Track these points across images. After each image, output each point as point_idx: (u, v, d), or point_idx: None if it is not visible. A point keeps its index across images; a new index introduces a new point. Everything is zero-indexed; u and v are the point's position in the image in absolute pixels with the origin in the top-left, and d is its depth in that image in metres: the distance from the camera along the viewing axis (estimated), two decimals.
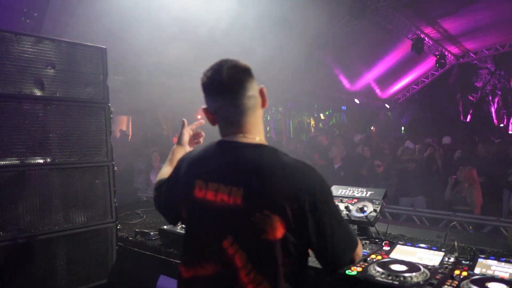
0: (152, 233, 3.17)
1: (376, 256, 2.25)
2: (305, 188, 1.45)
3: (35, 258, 2.73)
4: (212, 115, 1.64)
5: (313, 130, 19.41)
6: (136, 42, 9.79)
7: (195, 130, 2.34)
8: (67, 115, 2.90)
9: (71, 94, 2.92)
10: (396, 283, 1.88)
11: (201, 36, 9.96)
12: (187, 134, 2.28)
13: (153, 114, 16.36)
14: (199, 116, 17.55)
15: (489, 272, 1.99)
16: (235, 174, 1.52)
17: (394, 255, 2.27)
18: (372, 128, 14.99)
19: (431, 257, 2.20)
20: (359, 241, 1.67)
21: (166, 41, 10.29)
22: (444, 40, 15.21)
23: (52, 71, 2.84)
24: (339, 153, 7.96)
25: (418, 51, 13.38)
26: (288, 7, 10.65)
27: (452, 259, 2.15)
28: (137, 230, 3.26)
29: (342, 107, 21.82)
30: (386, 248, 2.39)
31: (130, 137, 16.39)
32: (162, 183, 1.95)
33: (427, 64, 17.37)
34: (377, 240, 2.58)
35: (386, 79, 17.59)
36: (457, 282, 1.87)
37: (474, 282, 1.83)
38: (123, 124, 18.08)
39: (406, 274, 1.92)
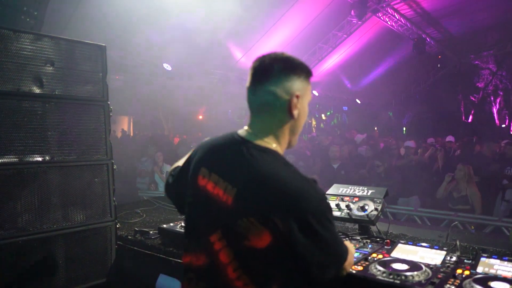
0: (151, 232, 3.15)
1: (377, 255, 2.24)
2: (300, 208, 1.37)
3: (34, 257, 2.71)
4: (247, 103, 1.59)
5: (314, 131, 19.37)
6: (137, 41, 9.80)
7: None
8: (66, 113, 2.88)
9: (70, 92, 2.90)
10: (397, 282, 1.86)
11: (202, 36, 9.96)
12: None
13: (154, 114, 16.38)
14: (200, 117, 17.50)
15: (492, 271, 1.97)
16: (234, 172, 1.48)
17: (395, 254, 2.25)
18: (375, 128, 14.95)
19: (432, 256, 2.18)
20: (350, 254, 1.62)
21: (167, 41, 10.30)
22: (446, 40, 15.19)
23: (51, 68, 2.82)
24: (338, 153, 7.93)
25: (420, 51, 13.37)
26: (288, 8, 10.65)
27: (454, 258, 2.13)
28: (136, 229, 3.24)
29: (344, 107, 21.81)
30: (387, 247, 2.37)
31: (131, 134, 16.41)
32: (176, 168, 1.90)
33: (429, 64, 17.34)
34: (378, 239, 2.56)
35: (387, 80, 17.57)
36: (459, 281, 1.85)
37: (476, 281, 1.81)
38: (124, 124, 18.10)
39: (408, 273, 1.90)
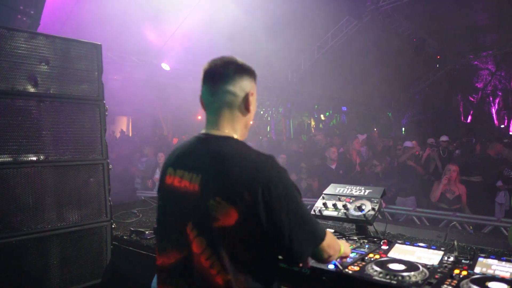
0: (147, 232, 3.13)
1: (374, 255, 2.21)
2: (260, 179, 1.45)
3: (28, 257, 2.69)
4: (202, 103, 1.74)
5: (313, 131, 19.35)
6: (135, 41, 9.77)
7: None
8: (61, 112, 2.86)
9: (65, 91, 2.89)
10: (394, 282, 1.84)
11: (202, 37, 9.95)
12: None
13: (153, 115, 16.35)
14: (199, 117, 17.55)
15: (490, 271, 1.95)
16: (197, 161, 1.58)
17: (392, 254, 2.23)
18: (375, 129, 14.93)
19: (430, 256, 2.16)
20: (328, 235, 1.64)
21: (166, 41, 10.28)
22: (445, 41, 15.17)
23: (46, 67, 2.80)
24: (336, 154, 7.93)
25: (419, 51, 13.35)
26: (288, 8, 10.63)
27: (451, 259, 2.11)
28: (132, 229, 3.22)
29: (343, 107, 21.79)
30: (384, 247, 2.35)
31: (130, 135, 16.39)
32: None
33: (428, 64, 17.33)
34: (375, 239, 2.53)
35: (386, 80, 17.55)
36: (456, 282, 1.83)
37: (474, 281, 1.79)
38: (123, 125, 18.07)
39: (405, 273, 1.88)
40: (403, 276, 1.86)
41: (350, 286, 1.95)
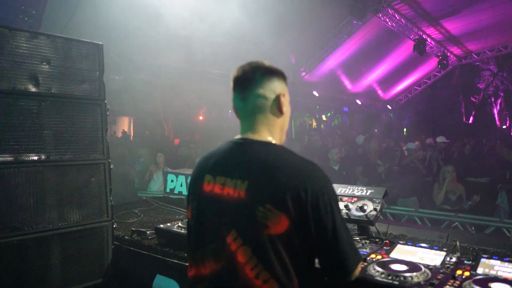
0: (148, 232, 3.12)
1: (376, 255, 2.21)
2: (307, 185, 1.44)
3: (29, 257, 2.68)
4: (234, 110, 1.72)
5: (310, 132, 19.34)
6: (137, 41, 9.78)
7: None
8: (62, 112, 2.86)
9: (66, 91, 2.88)
10: (396, 283, 1.84)
11: (202, 37, 9.94)
12: None
13: (154, 115, 16.35)
14: (201, 117, 17.48)
15: (492, 272, 1.94)
16: (241, 167, 1.54)
17: (394, 254, 2.22)
18: (375, 130, 14.92)
19: (432, 257, 2.15)
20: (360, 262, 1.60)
21: (168, 42, 10.28)
22: (446, 41, 15.16)
23: (47, 67, 2.79)
24: (339, 155, 7.92)
25: (420, 52, 13.33)
26: (289, 8, 10.62)
27: (454, 259, 2.10)
28: (133, 229, 3.21)
29: (344, 108, 21.78)
30: (386, 247, 2.34)
31: (132, 135, 16.40)
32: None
33: (429, 65, 17.31)
34: (377, 239, 2.53)
35: (388, 80, 17.54)
36: (459, 282, 1.82)
37: (476, 282, 1.78)
38: (125, 125, 18.09)
39: (407, 274, 1.87)
40: (405, 277, 1.85)
41: (352, 286, 1.94)
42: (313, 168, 1.52)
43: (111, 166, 3.11)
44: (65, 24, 7.94)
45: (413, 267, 1.97)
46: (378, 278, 1.89)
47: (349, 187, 2.87)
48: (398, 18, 12.46)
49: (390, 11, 12.04)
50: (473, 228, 4.55)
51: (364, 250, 2.31)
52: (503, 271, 1.93)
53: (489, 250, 2.35)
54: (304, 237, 1.46)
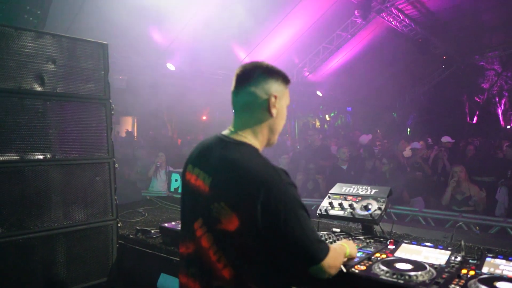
0: (153, 231, 3.13)
1: (381, 254, 2.20)
2: (264, 191, 1.47)
3: (35, 255, 2.70)
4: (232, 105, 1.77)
5: (309, 132, 19.30)
6: (140, 41, 9.80)
7: None
8: (67, 111, 2.87)
9: (71, 90, 2.90)
10: (401, 282, 1.83)
11: (205, 36, 9.95)
12: None
13: (158, 115, 16.37)
14: (204, 117, 17.50)
15: (498, 271, 1.93)
16: (212, 164, 1.64)
17: (399, 253, 2.22)
18: (378, 131, 14.88)
19: (437, 256, 2.14)
20: (330, 255, 1.63)
21: (171, 42, 10.30)
22: (449, 41, 15.11)
23: (53, 66, 2.81)
24: (347, 154, 7.90)
25: (424, 51, 13.30)
26: (291, 8, 10.62)
27: (459, 258, 2.09)
28: (138, 228, 3.22)
29: (347, 108, 21.74)
30: (391, 246, 2.33)
31: (136, 135, 16.43)
32: None
33: (433, 65, 17.26)
34: (381, 238, 2.52)
35: (391, 80, 17.50)
36: (464, 281, 1.81)
37: (482, 281, 1.77)
38: (128, 125, 18.12)
39: (412, 273, 1.86)
40: (410, 276, 1.85)
41: (356, 285, 1.94)
42: (276, 175, 1.53)
43: (116, 165, 3.13)
44: (69, 25, 7.98)
45: (418, 266, 1.96)
46: (383, 277, 1.88)
47: (353, 186, 2.87)
48: (402, 18, 12.44)
49: (394, 10, 12.01)
50: (477, 228, 4.53)
51: (368, 249, 2.31)
52: (509, 271, 1.92)
53: (494, 250, 2.35)
54: (256, 239, 1.51)
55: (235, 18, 9.49)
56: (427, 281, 1.82)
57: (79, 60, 2.93)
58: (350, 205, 2.66)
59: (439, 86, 19.49)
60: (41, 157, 2.74)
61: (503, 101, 21.96)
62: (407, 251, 2.25)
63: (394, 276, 1.87)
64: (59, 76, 2.84)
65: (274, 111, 1.68)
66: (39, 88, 2.74)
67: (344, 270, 1.95)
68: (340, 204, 2.71)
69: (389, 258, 2.12)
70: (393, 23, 12.53)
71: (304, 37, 12.07)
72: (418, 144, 8.66)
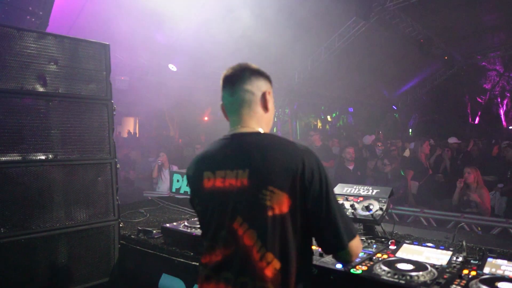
0: (154, 231, 3.14)
1: (382, 255, 2.20)
2: (304, 162, 1.56)
3: (37, 256, 2.70)
4: (223, 107, 1.83)
5: (311, 132, 19.30)
6: (142, 42, 9.81)
7: None
8: (69, 112, 2.88)
9: (73, 90, 2.90)
10: (402, 282, 1.83)
11: (207, 37, 9.96)
12: None
13: (160, 116, 16.40)
14: (206, 118, 17.50)
15: (499, 272, 1.93)
16: (240, 158, 1.64)
17: (400, 254, 2.22)
18: (380, 132, 14.86)
19: (438, 257, 2.15)
20: (358, 237, 1.66)
21: (173, 42, 10.31)
22: (452, 41, 15.08)
23: (55, 67, 2.82)
24: (353, 154, 7.89)
25: (426, 52, 13.28)
26: (295, 10, 10.62)
27: (460, 259, 2.09)
28: (139, 228, 3.23)
29: (349, 108, 21.74)
30: (392, 247, 2.34)
31: (137, 136, 16.46)
32: None
33: (435, 65, 17.24)
34: (383, 239, 2.52)
35: (393, 81, 17.49)
36: (465, 282, 1.81)
37: (483, 281, 1.77)
38: (130, 126, 18.15)
39: (413, 273, 1.87)
40: (411, 276, 1.85)
41: (358, 285, 1.94)
42: (306, 150, 1.63)
43: (118, 166, 3.13)
44: (70, 26, 8.01)
45: (419, 266, 1.96)
46: (384, 277, 1.89)
47: (355, 187, 2.87)
48: (403, 17, 12.42)
49: (395, 11, 12.00)
50: (479, 228, 4.53)
51: (370, 249, 2.31)
52: (510, 271, 1.92)
53: (496, 250, 2.34)
54: (305, 214, 1.56)
55: (237, 18, 9.50)
56: (428, 282, 1.82)
57: (81, 60, 2.94)
58: (352, 206, 2.66)
59: (441, 87, 19.46)
60: (43, 157, 2.75)
61: (505, 102, 21.92)
62: (408, 251, 2.25)
63: (396, 277, 1.87)
64: (61, 77, 2.84)
65: (270, 105, 1.79)
66: (41, 89, 2.75)
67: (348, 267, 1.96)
68: (342, 205, 2.71)
69: (390, 259, 2.12)
70: (394, 23, 12.51)
71: (306, 37, 12.07)
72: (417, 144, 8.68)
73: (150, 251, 2.98)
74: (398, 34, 13.16)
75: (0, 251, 2.55)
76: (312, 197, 1.55)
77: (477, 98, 22.41)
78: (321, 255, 2.11)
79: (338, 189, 2.94)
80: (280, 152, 1.59)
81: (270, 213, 1.53)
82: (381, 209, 2.58)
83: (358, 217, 2.60)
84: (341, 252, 1.62)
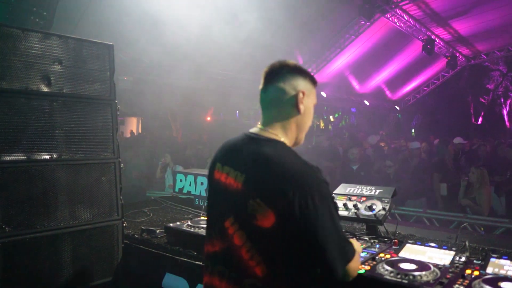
0: (158, 231, 3.15)
1: (385, 254, 2.21)
2: (299, 186, 1.47)
3: (41, 254, 2.72)
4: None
5: (318, 132, 19.29)
6: (145, 42, 9.83)
7: None
8: (73, 111, 2.89)
9: (77, 90, 2.92)
10: (405, 281, 1.84)
11: (210, 37, 9.97)
12: None
13: (162, 116, 16.42)
14: (208, 118, 17.52)
15: (502, 272, 1.93)
16: (244, 161, 1.63)
17: (403, 254, 2.23)
18: (383, 133, 14.87)
19: (441, 256, 2.15)
20: (356, 257, 1.62)
21: (176, 42, 10.32)
22: (455, 41, 15.06)
23: (59, 67, 2.83)
24: (358, 155, 7.89)
25: (429, 52, 13.27)
26: (297, 9, 10.62)
27: (463, 259, 2.10)
28: (143, 227, 3.24)
29: (352, 109, 21.72)
30: (395, 247, 2.34)
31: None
32: None
33: (438, 65, 17.21)
34: (386, 239, 2.53)
35: (396, 81, 17.47)
36: (468, 281, 1.82)
37: (486, 281, 1.78)
38: (133, 126, 18.17)
39: (416, 273, 1.87)
40: (414, 276, 1.85)
41: (360, 285, 1.95)
42: (311, 171, 1.54)
43: (121, 166, 3.15)
44: (74, 26, 8.03)
45: (422, 266, 1.97)
46: (387, 277, 1.89)
47: (358, 187, 2.88)
48: (406, 18, 12.41)
49: (398, 11, 12.00)
50: (482, 229, 4.52)
51: (372, 249, 2.31)
52: None
53: (499, 250, 2.35)
54: (290, 237, 1.49)
55: (240, 19, 9.51)
56: (431, 281, 1.82)
57: (85, 61, 2.95)
58: (355, 206, 2.67)
59: (444, 87, 19.43)
60: (47, 157, 2.77)
61: (508, 102, 21.86)
62: (411, 251, 2.25)
63: (398, 276, 1.87)
64: (65, 77, 2.86)
65: (301, 107, 1.69)
66: (45, 89, 2.77)
67: None
68: (345, 205, 2.71)
69: (393, 258, 2.13)
70: (398, 24, 12.51)
71: (309, 37, 12.08)
72: (417, 143, 8.68)
73: (153, 250, 2.99)
74: (401, 33, 13.15)
75: (5, 250, 2.56)
76: (304, 222, 1.47)
77: (480, 98, 22.36)
78: None
79: (341, 189, 2.95)
80: (281, 168, 1.52)
81: (255, 222, 1.51)
82: (384, 209, 2.59)
83: (361, 217, 2.61)
84: (337, 278, 1.56)
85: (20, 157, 2.65)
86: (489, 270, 1.96)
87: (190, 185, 4.13)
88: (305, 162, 1.57)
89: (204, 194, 3.95)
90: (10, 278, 2.58)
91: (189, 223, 2.95)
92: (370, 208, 2.62)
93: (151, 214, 3.81)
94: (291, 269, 1.54)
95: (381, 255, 2.21)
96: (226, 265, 1.63)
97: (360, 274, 1.95)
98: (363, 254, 2.18)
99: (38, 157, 2.73)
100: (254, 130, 1.72)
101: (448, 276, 1.88)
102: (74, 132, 2.90)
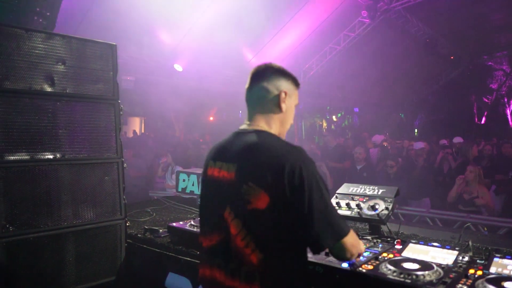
0: (161, 230, 3.16)
1: (388, 254, 2.21)
2: (285, 165, 1.58)
3: (44, 254, 2.73)
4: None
5: (324, 132, 19.27)
6: (148, 42, 9.85)
7: None
8: (77, 111, 2.90)
9: (81, 90, 2.93)
10: (408, 281, 1.83)
11: (213, 37, 9.98)
12: None
13: (165, 116, 16.44)
14: (211, 118, 17.52)
15: (505, 271, 1.93)
16: (234, 153, 1.76)
17: (406, 253, 2.22)
18: (386, 133, 14.82)
19: (444, 256, 2.14)
20: (352, 233, 1.71)
21: (179, 42, 10.34)
22: (457, 41, 15.01)
23: (63, 67, 2.84)
24: (363, 155, 7.87)
25: (431, 51, 13.23)
26: (299, 9, 10.63)
27: (466, 258, 2.09)
28: (146, 227, 3.25)
29: (355, 109, 21.69)
30: (398, 246, 2.34)
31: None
32: None
33: (441, 65, 17.16)
34: (389, 238, 2.52)
35: (398, 80, 17.43)
36: (471, 281, 1.81)
37: (489, 281, 1.77)
38: (136, 125, 18.22)
39: (419, 273, 1.87)
40: (417, 275, 1.85)
41: (363, 284, 1.95)
42: (295, 151, 1.66)
43: (124, 165, 3.15)
44: (77, 26, 8.06)
45: (425, 265, 1.96)
46: (390, 277, 1.89)
47: (360, 186, 2.88)
48: (409, 18, 12.39)
49: (401, 11, 11.97)
50: (485, 228, 4.50)
51: (375, 248, 2.31)
52: None
53: (502, 250, 2.34)
54: (284, 215, 1.59)
55: (242, 19, 9.52)
56: (434, 281, 1.82)
57: (88, 61, 2.96)
58: (357, 205, 2.66)
59: (447, 87, 19.37)
60: (51, 156, 2.78)
61: (511, 102, 21.75)
62: (414, 251, 2.25)
63: (401, 276, 1.87)
64: (68, 77, 2.87)
65: (283, 105, 1.83)
66: (49, 89, 2.78)
67: (355, 265, 1.96)
68: (347, 204, 2.71)
69: (396, 258, 2.12)
70: (400, 23, 12.48)
71: (311, 37, 12.08)
72: (421, 143, 8.66)
73: (156, 250, 3.00)
74: (404, 34, 13.12)
75: (9, 249, 2.57)
76: (294, 196, 1.57)
77: (484, 98, 22.25)
78: (327, 254, 2.11)
79: (344, 189, 2.94)
80: (267, 151, 1.66)
81: (249, 207, 1.61)
82: (386, 208, 2.59)
83: (363, 216, 2.61)
84: (333, 249, 1.69)
85: (24, 156, 2.66)
86: (493, 269, 1.95)
87: (193, 185, 4.14)
88: (289, 143, 1.70)
89: None
90: (14, 277, 2.59)
91: (192, 222, 2.96)
92: (373, 207, 2.61)
93: (154, 214, 3.82)
94: (284, 253, 1.65)
95: (384, 254, 2.20)
96: (224, 257, 1.71)
97: (363, 273, 1.95)
98: (366, 254, 2.17)
99: (42, 157, 2.74)
100: (241, 126, 1.86)
101: (451, 275, 1.88)
102: (77, 132, 2.91)
